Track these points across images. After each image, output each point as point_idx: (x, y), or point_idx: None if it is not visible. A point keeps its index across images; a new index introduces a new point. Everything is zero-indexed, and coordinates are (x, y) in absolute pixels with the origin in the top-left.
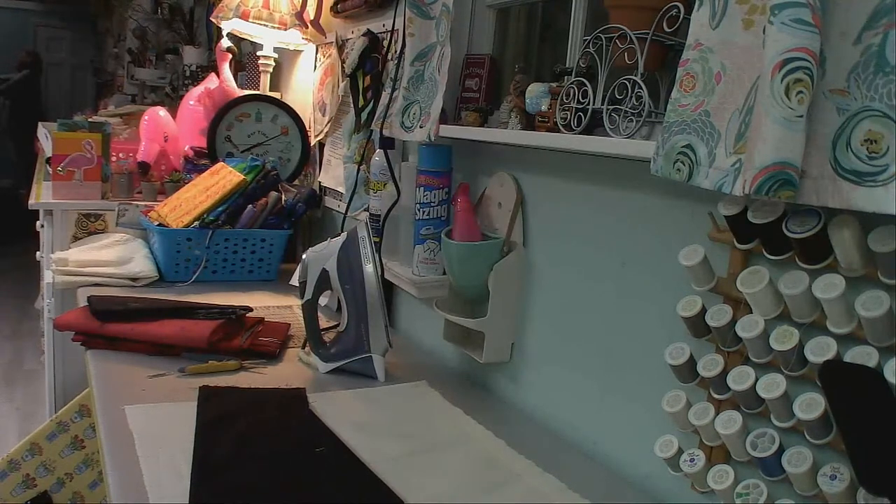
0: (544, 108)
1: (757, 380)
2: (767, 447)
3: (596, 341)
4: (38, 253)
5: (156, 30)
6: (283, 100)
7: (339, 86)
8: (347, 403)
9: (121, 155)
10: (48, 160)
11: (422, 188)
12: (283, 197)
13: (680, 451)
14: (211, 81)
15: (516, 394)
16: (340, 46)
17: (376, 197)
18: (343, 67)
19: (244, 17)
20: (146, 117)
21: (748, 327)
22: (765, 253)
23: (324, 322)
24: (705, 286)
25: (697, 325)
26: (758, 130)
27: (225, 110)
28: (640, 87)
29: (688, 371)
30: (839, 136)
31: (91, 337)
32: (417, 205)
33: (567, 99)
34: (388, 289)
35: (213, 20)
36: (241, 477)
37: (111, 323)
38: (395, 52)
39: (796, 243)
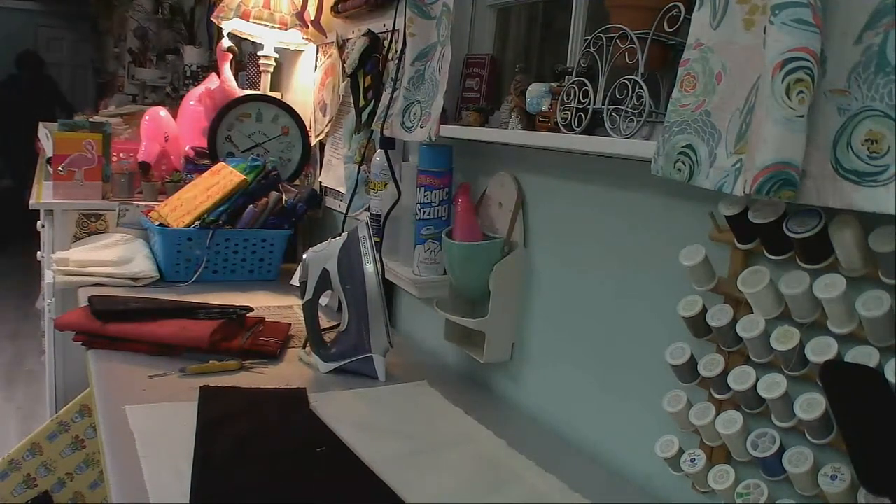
0: (545, 107)
1: (758, 380)
2: (768, 447)
3: (596, 341)
4: (38, 253)
5: (156, 30)
6: (283, 100)
7: (339, 86)
8: (348, 403)
9: (121, 155)
10: (49, 160)
11: (422, 188)
12: (284, 197)
13: (680, 451)
14: (211, 81)
15: (517, 393)
16: (341, 46)
17: (377, 197)
18: (344, 67)
19: (245, 17)
20: (147, 117)
21: (749, 327)
22: (765, 253)
23: (324, 322)
24: (706, 286)
25: (698, 325)
26: (758, 130)
27: (226, 110)
28: (641, 87)
29: (688, 371)
30: (840, 135)
31: (92, 337)
32: (418, 205)
33: (568, 99)
34: (389, 289)
35: (214, 20)
36: (241, 477)
37: (112, 323)
38: (396, 52)
39: (797, 243)
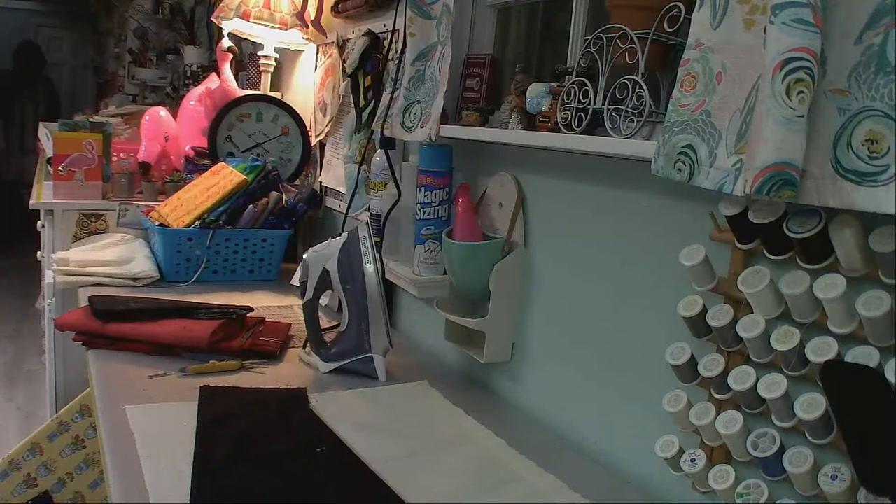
0: (545, 107)
1: (758, 380)
2: (768, 447)
3: (597, 341)
4: (38, 253)
5: (157, 30)
6: (283, 100)
7: (339, 86)
8: (348, 403)
9: (122, 155)
10: (49, 160)
11: (422, 188)
12: (284, 197)
13: (681, 451)
14: (212, 81)
15: (517, 394)
16: (341, 46)
17: (377, 197)
18: (344, 67)
19: (245, 17)
20: (147, 117)
21: (749, 327)
22: (766, 253)
23: (324, 322)
24: (706, 286)
25: (698, 325)
26: (759, 130)
27: (226, 110)
28: (641, 87)
29: (689, 371)
30: (840, 135)
31: (92, 337)
32: (418, 205)
33: (568, 99)
34: (389, 289)
35: (214, 20)
36: (241, 477)
37: (112, 323)
38: (396, 51)
39: (797, 243)
